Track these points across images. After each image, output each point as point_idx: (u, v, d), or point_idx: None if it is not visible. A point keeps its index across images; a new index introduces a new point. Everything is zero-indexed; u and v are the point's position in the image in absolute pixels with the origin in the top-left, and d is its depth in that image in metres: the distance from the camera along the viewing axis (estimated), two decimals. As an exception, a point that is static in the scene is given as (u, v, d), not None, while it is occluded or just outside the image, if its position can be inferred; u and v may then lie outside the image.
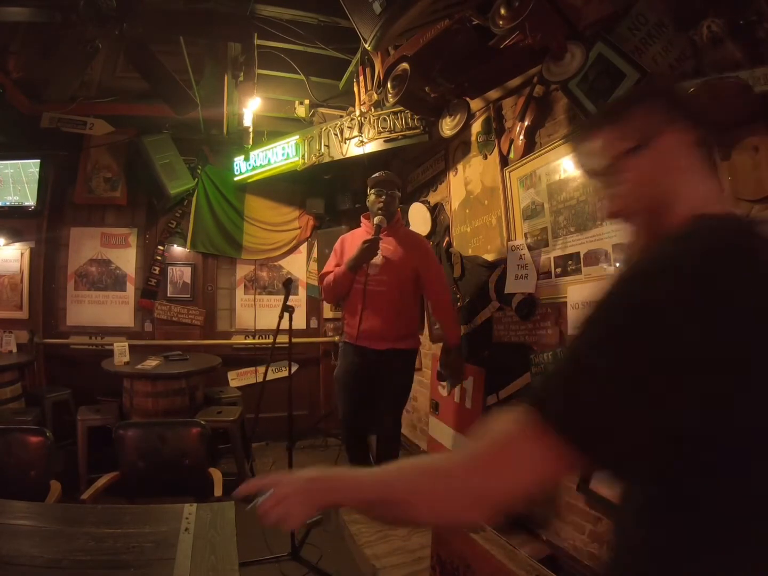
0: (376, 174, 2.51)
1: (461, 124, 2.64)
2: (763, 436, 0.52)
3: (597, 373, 0.55)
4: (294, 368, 2.66)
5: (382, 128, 3.09)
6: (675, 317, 0.52)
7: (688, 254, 0.57)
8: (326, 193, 4.39)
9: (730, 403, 0.52)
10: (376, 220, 2.39)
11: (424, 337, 3.36)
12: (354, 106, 3.23)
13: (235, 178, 4.16)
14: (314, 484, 0.67)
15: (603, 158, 0.70)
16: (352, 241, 2.53)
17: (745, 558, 0.52)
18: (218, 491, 1.79)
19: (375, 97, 3.03)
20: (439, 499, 0.60)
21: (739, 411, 0.52)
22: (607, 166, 0.70)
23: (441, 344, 2.68)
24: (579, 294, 2.02)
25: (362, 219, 2.63)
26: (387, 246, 2.45)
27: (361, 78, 3.11)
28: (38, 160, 3.83)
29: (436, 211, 3.37)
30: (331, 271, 2.51)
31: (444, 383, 2.91)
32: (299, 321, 4.27)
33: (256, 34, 2.90)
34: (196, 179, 4.21)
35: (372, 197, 2.49)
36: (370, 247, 2.32)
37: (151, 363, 3.25)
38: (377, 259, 2.41)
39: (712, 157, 0.68)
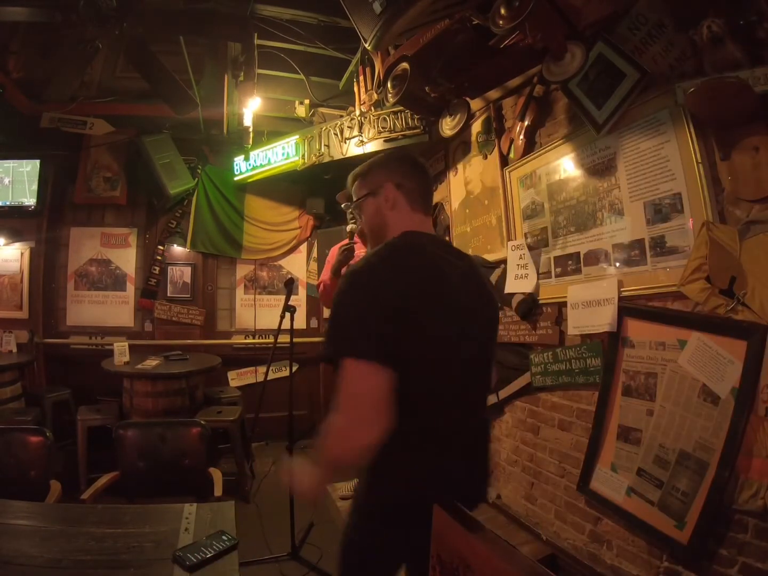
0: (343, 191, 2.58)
1: (461, 124, 2.64)
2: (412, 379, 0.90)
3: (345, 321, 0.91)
4: (294, 368, 2.67)
5: (382, 128, 3.09)
6: (354, 286, 0.92)
7: (380, 248, 0.97)
8: (326, 193, 4.38)
9: (400, 341, 0.87)
10: (348, 228, 2.45)
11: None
12: (354, 106, 3.23)
13: (235, 178, 4.16)
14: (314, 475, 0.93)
15: (354, 200, 1.15)
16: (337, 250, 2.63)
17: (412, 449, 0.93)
18: (218, 491, 1.79)
19: (375, 96, 3.03)
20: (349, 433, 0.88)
21: (403, 347, 0.87)
22: (356, 205, 1.16)
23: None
24: (579, 294, 2.01)
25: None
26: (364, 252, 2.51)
27: (361, 78, 3.11)
28: (38, 161, 3.84)
29: (436, 211, 3.37)
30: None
31: None
32: (299, 321, 4.28)
33: (256, 34, 2.90)
34: (196, 179, 4.21)
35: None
36: (345, 253, 2.38)
37: (151, 363, 3.25)
38: None
39: (417, 196, 1.10)
